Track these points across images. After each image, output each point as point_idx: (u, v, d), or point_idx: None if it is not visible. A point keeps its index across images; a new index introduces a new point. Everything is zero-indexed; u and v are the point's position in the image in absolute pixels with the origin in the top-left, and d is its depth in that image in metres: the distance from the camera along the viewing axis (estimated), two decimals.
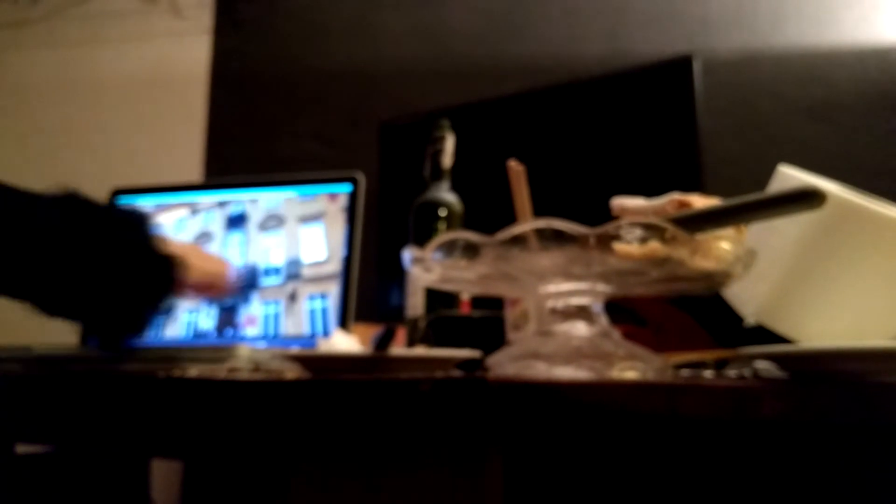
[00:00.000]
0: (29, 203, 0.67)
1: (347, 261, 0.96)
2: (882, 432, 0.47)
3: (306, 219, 1.00)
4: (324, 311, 0.95)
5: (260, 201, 1.03)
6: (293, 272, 0.98)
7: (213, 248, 1.03)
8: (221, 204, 1.05)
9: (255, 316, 0.98)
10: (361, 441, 0.45)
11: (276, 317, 0.97)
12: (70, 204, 0.69)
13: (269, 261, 1.00)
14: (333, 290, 0.95)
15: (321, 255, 0.97)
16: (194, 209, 1.06)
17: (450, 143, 0.95)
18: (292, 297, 0.96)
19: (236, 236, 1.02)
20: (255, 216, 1.03)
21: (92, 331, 0.71)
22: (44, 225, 0.65)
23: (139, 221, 0.72)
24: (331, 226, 0.99)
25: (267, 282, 0.99)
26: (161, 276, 0.71)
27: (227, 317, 0.99)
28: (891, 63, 1.32)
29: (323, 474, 0.45)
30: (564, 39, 1.57)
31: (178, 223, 1.06)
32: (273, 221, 1.01)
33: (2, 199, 0.66)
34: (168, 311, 0.75)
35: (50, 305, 0.68)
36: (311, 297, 0.95)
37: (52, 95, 2.03)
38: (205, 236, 1.03)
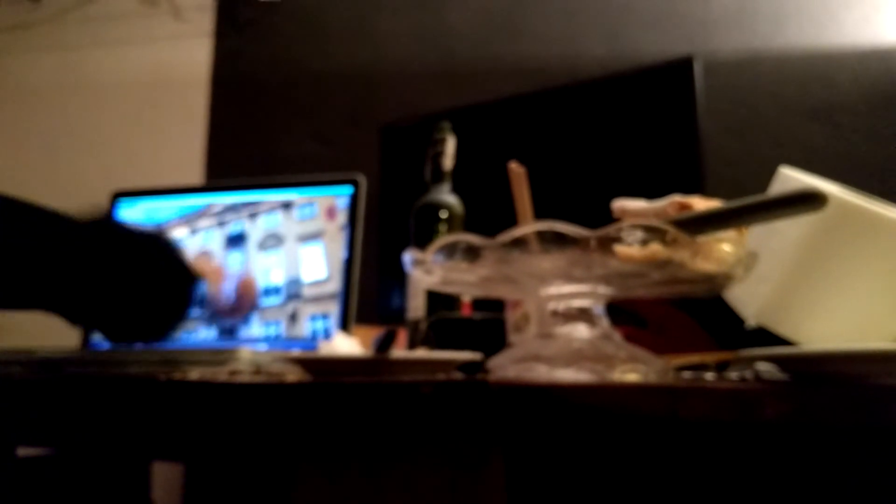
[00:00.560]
0: (65, 224, 0.74)
1: (348, 263, 0.96)
2: (884, 434, 0.47)
3: (305, 238, 0.99)
4: (326, 332, 0.94)
5: (259, 220, 1.03)
6: (293, 292, 0.97)
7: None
8: (221, 223, 1.04)
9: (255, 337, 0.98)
10: (363, 444, 0.45)
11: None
12: (101, 225, 0.76)
13: (270, 280, 0.99)
14: (334, 310, 0.93)
15: (321, 273, 0.96)
16: (194, 228, 1.06)
17: (451, 145, 0.95)
18: (293, 318, 0.95)
19: (236, 255, 1.02)
20: (254, 235, 1.02)
21: (118, 340, 0.76)
22: (79, 245, 0.72)
23: (165, 240, 0.79)
24: (330, 244, 0.98)
25: (267, 302, 0.98)
26: (187, 289, 0.78)
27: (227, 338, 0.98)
28: (892, 64, 1.31)
29: (325, 477, 0.45)
30: (565, 41, 1.57)
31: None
32: (272, 240, 1.01)
33: (41, 221, 0.72)
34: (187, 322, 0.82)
35: (83, 319, 0.76)
36: (313, 318, 0.94)
37: (53, 98, 2.03)
38: (204, 255, 1.03)
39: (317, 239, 0.99)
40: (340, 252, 0.96)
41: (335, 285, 0.95)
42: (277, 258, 1.00)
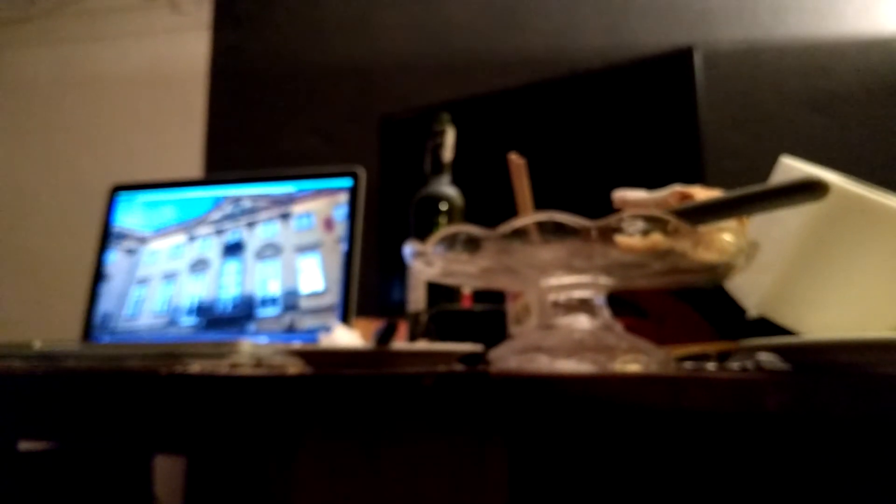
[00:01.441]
0: None
1: (348, 256, 0.96)
2: (886, 424, 0.47)
3: (303, 248, 0.99)
4: None
5: (257, 230, 1.02)
6: (291, 303, 0.96)
7: (210, 275, 1.03)
8: (219, 232, 1.04)
9: None
10: (365, 436, 0.45)
11: None
12: None
13: (267, 290, 0.98)
14: (333, 323, 0.92)
15: (318, 285, 0.96)
16: (192, 236, 1.05)
17: (450, 137, 0.94)
18: (290, 329, 0.95)
19: (233, 264, 1.01)
20: (251, 244, 1.02)
21: None
22: None
23: None
24: (327, 256, 0.97)
25: (264, 312, 0.97)
26: None
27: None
28: (892, 54, 1.31)
29: (326, 469, 0.45)
30: (565, 32, 1.56)
31: (175, 250, 1.05)
32: (270, 250, 1.00)
33: None
34: None
35: None
36: (311, 331, 0.94)
37: (51, 92, 2.03)
38: (201, 263, 1.03)
39: (314, 250, 0.98)
40: (338, 264, 0.96)
41: (333, 298, 0.94)
42: (275, 268, 0.99)
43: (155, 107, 1.96)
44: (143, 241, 1.08)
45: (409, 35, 1.73)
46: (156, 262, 1.05)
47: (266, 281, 0.99)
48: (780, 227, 0.58)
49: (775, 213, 0.55)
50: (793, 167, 0.60)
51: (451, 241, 0.53)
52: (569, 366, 0.49)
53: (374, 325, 0.64)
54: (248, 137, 1.86)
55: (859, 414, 0.42)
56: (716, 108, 1.33)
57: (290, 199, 1.03)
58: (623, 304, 0.68)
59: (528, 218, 0.49)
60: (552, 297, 0.56)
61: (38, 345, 0.75)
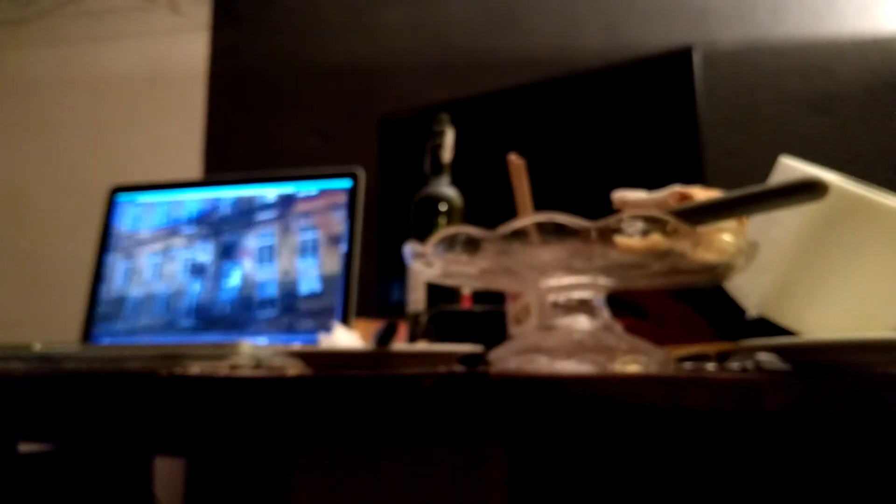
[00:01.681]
0: None
1: (348, 257, 0.96)
2: (886, 424, 0.47)
3: (300, 251, 0.99)
4: None
5: (254, 231, 1.02)
6: (289, 304, 0.96)
7: (209, 276, 1.02)
8: (217, 233, 1.04)
9: None
10: (365, 437, 0.45)
11: None
12: None
13: (265, 292, 0.98)
14: (332, 324, 0.93)
15: (316, 286, 0.96)
16: (190, 237, 1.05)
17: (449, 138, 0.94)
18: (289, 331, 0.95)
19: (231, 265, 1.01)
20: (250, 245, 1.02)
21: None
22: None
23: None
24: (326, 256, 0.97)
25: (262, 314, 0.97)
26: None
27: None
28: (892, 53, 1.31)
29: (326, 470, 0.45)
30: (564, 32, 1.56)
31: (173, 251, 1.05)
32: (268, 251, 1.00)
33: None
34: None
35: None
36: (310, 332, 0.94)
37: (50, 93, 2.02)
38: (200, 265, 1.03)
39: (312, 251, 0.98)
40: (337, 265, 0.96)
41: (331, 299, 0.94)
42: (273, 269, 0.99)
43: (154, 107, 1.95)
44: (141, 242, 1.08)
45: (409, 35, 1.73)
46: (155, 264, 1.05)
47: (264, 282, 0.99)
48: (779, 227, 0.58)
49: (775, 213, 0.55)
50: (792, 167, 0.60)
51: (450, 242, 0.53)
52: (569, 366, 0.49)
53: (374, 326, 0.64)
54: (248, 137, 1.86)
55: (859, 414, 0.42)
56: (715, 108, 1.33)
57: (288, 200, 1.03)
58: (623, 304, 0.68)
59: (528, 219, 0.49)
60: (552, 297, 0.56)
61: (37, 346, 0.75)
